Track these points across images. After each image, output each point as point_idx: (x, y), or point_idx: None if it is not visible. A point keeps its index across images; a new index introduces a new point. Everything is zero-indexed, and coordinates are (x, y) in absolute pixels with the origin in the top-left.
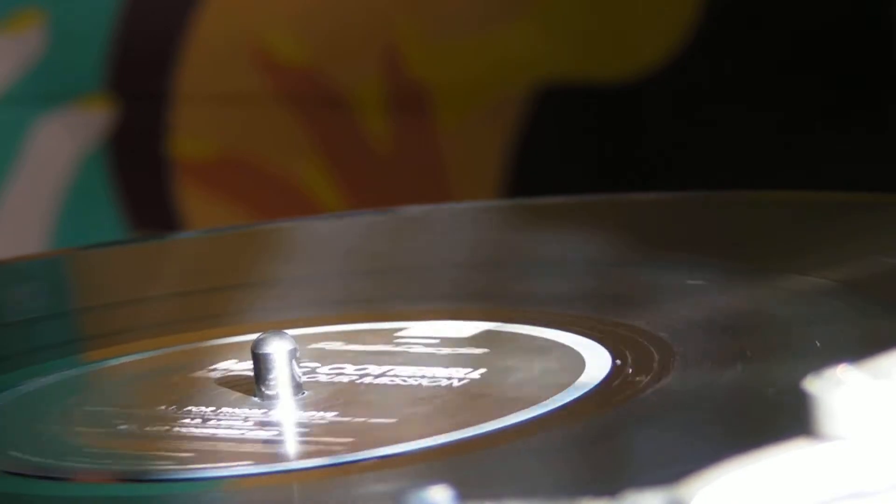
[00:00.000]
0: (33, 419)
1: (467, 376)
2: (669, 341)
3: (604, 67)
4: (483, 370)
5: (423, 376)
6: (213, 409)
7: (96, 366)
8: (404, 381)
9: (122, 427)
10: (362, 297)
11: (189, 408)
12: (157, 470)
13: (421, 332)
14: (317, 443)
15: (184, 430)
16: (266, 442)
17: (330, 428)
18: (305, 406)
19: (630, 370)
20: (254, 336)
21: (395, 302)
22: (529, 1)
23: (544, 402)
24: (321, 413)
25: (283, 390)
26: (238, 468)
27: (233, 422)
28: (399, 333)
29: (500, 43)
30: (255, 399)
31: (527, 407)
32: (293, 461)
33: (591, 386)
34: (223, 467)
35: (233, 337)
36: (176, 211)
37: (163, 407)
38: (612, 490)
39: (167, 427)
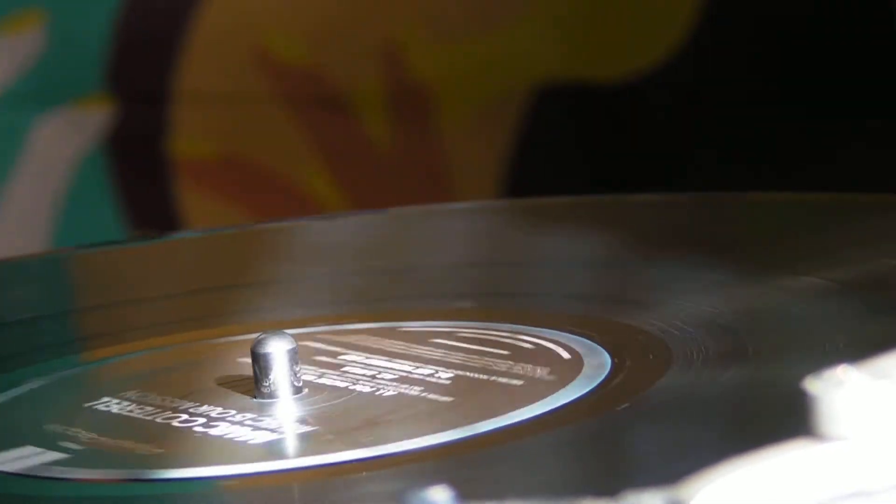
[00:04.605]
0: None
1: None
2: (668, 341)
3: (604, 67)
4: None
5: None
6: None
7: (96, 365)
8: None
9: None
10: (362, 296)
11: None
12: (157, 470)
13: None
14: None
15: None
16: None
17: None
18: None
19: (628, 370)
20: (254, 336)
21: (395, 301)
22: (529, 1)
23: (543, 402)
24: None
25: (282, 390)
26: (238, 468)
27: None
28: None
29: (499, 42)
30: (255, 399)
31: (526, 407)
32: (293, 461)
33: (591, 386)
34: (223, 467)
35: (233, 337)
36: (176, 211)
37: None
38: (612, 490)
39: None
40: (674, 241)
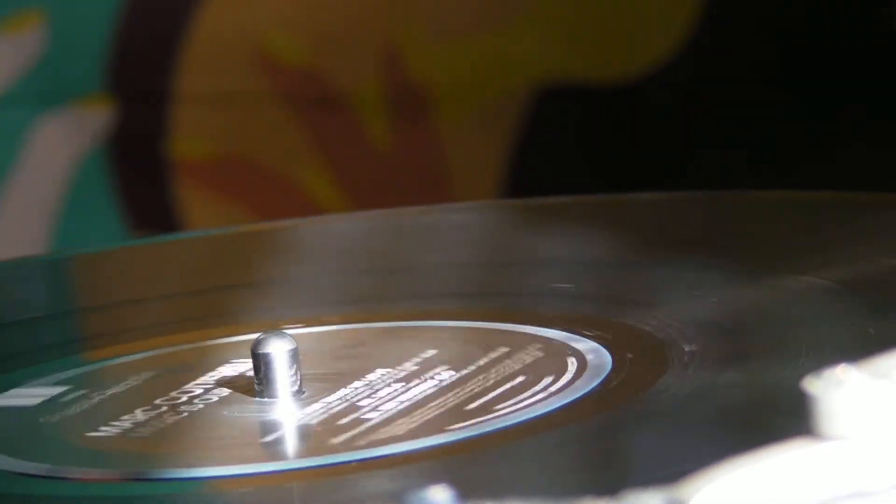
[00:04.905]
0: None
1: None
2: (669, 341)
3: (604, 67)
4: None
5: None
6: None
7: (96, 366)
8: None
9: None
10: (362, 297)
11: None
12: (156, 470)
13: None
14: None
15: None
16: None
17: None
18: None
19: (629, 370)
20: (254, 336)
21: (395, 302)
22: (529, 1)
23: (544, 402)
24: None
25: (282, 390)
26: (238, 468)
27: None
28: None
29: (499, 43)
30: (255, 399)
31: (527, 407)
32: (293, 461)
33: (591, 386)
34: (223, 467)
35: (233, 337)
36: (176, 211)
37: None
38: (612, 490)
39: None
40: (674, 241)
